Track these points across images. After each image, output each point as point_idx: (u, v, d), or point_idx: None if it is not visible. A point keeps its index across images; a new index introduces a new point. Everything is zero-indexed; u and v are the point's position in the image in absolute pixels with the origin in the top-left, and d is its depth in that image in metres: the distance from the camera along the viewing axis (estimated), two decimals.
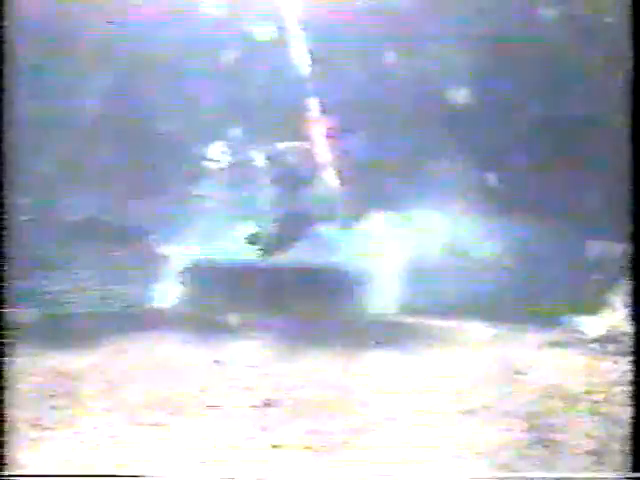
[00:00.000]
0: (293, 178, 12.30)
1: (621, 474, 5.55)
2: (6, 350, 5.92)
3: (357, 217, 11.55)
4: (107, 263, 11.20)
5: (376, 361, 8.23)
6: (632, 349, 5.90)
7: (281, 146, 12.05)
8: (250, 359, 8.37)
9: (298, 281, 11.04)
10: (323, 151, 11.70)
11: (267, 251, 11.95)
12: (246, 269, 11.53)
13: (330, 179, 11.79)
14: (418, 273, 10.61)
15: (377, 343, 8.67)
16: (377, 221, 11.33)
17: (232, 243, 11.74)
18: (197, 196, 11.72)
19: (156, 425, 6.58)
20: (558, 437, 6.19)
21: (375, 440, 6.28)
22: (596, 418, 6.50)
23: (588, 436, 6.21)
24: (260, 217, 12.14)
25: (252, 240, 12.04)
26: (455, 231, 10.67)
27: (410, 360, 8.23)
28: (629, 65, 5.98)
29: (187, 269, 11.33)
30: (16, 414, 6.09)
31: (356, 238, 11.54)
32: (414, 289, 10.45)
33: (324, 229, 11.83)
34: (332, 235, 11.72)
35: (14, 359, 6.48)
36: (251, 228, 12.14)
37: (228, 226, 12.04)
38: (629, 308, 5.95)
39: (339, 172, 11.73)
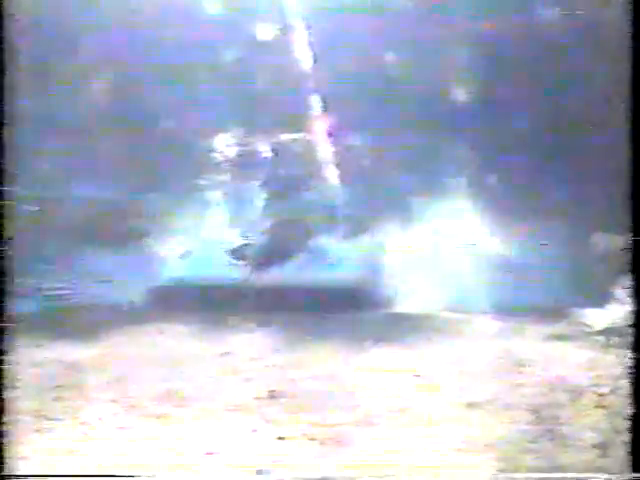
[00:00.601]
0: (291, 179, 11.49)
1: (621, 474, 5.54)
2: (9, 343, 5.88)
3: (361, 227, 10.92)
4: (106, 260, 11.15)
5: (379, 355, 8.24)
6: (632, 345, 5.88)
7: (278, 141, 11.65)
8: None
9: (291, 303, 9.95)
10: (324, 148, 11.45)
11: (256, 267, 10.71)
12: (230, 289, 10.31)
13: (331, 180, 11.38)
14: (425, 270, 10.40)
15: (375, 342, 8.65)
16: (383, 228, 10.83)
17: (218, 256, 10.82)
18: (196, 191, 11.51)
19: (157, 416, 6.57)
20: (564, 430, 6.17)
21: (379, 432, 6.27)
22: (601, 411, 6.50)
23: (593, 429, 6.20)
24: (249, 226, 11.04)
25: (238, 254, 10.85)
26: (461, 228, 10.59)
27: (413, 353, 8.25)
28: (629, 65, 5.97)
29: (163, 289, 10.62)
30: (20, 404, 6.06)
31: (361, 249, 10.75)
32: (421, 286, 10.33)
33: (324, 240, 11.03)
34: (333, 247, 10.92)
35: (17, 351, 6.44)
36: (238, 239, 10.96)
37: (216, 234, 11.22)
38: (630, 302, 5.93)
39: (341, 172, 11.32)
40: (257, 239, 10.96)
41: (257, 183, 11.55)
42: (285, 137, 11.58)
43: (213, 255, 11.02)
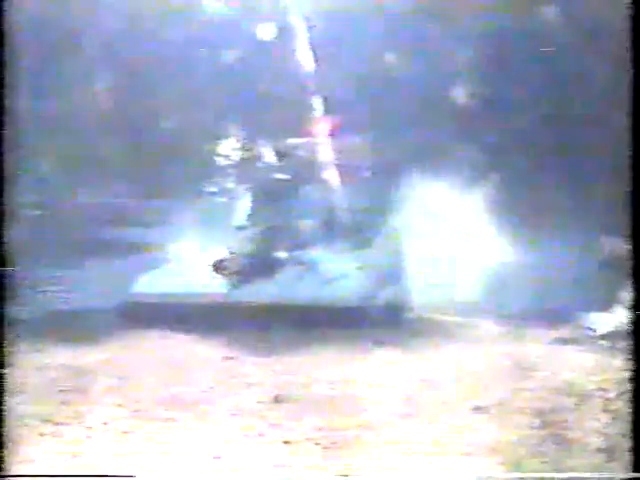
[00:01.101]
0: (287, 183, 11.20)
1: (621, 474, 5.54)
2: (10, 347, 5.88)
3: (362, 235, 10.62)
4: (106, 266, 11.09)
5: (383, 359, 8.24)
6: (633, 348, 5.90)
7: (280, 144, 11.48)
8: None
9: (276, 323, 9.20)
10: (324, 150, 11.33)
11: (237, 282, 10.04)
12: (209, 306, 9.62)
13: (332, 183, 11.20)
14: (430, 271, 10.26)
15: (375, 344, 8.64)
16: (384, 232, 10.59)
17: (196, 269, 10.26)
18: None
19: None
20: (569, 434, 6.18)
21: (384, 436, 6.27)
22: (607, 415, 6.50)
23: (599, 433, 6.20)
24: (234, 235, 10.42)
25: (219, 267, 10.16)
26: (463, 231, 10.53)
27: (417, 357, 8.24)
28: (630, 65, 6.00)
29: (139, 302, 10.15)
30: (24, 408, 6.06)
31: (362, 258, 10.32)
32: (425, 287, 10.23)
33: (316, 253, 10.59)
34: (325, 260, 10.31)
35: (18, 356, 6.44)
36: (219, 250, 10.29)
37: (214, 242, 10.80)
38: (631, 306, 5.95)
39: (340, 176, 11.12)
40: (242, 249, 10.53)
41: (249, 187, 11.24)
42: (288, 140, 11.37)
43: (203, 266, 10.66)
